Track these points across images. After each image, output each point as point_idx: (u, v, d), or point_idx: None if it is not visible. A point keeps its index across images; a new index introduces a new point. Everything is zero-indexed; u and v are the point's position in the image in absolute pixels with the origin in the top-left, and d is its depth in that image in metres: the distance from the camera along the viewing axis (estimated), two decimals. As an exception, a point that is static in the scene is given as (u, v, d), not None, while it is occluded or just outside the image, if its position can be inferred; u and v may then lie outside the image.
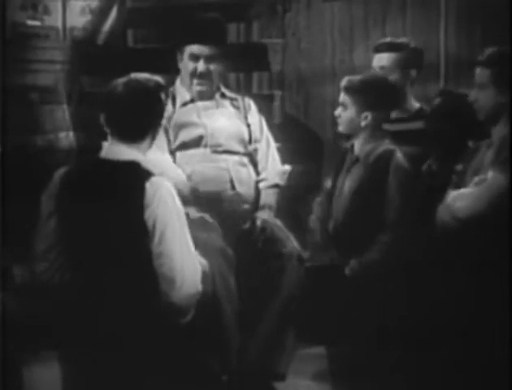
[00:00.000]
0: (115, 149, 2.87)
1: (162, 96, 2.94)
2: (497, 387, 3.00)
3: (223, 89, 3.99)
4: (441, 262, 3.15)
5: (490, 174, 3.04)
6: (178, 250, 2.76)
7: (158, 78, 3.00)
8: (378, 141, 3.57)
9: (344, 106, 3.59)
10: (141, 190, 2.74)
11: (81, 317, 2.79)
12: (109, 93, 2.90)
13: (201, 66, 3.80)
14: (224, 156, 3.82)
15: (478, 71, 3.20)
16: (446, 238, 3.13)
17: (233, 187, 3.80)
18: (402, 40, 4.02)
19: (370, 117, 3.56)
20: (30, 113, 4.68)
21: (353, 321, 3.37)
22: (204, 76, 3.83)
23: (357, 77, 3.62)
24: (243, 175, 3.85)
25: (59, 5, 4.94)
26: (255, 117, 3.98)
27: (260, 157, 3.95)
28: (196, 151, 3.79)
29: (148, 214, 2.74)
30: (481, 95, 3.18)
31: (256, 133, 3.95)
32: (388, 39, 4.05)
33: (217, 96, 3.94)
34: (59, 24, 4.94)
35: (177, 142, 3.76)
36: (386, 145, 3.57)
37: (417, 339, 3.19)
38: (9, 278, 3.18)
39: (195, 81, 3.84)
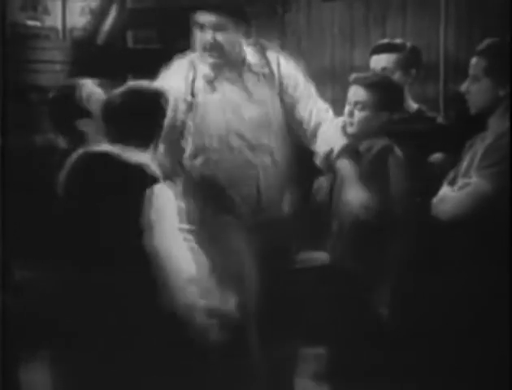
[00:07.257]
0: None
1: (162, 103, 2.92)
2: (497, 387, 3.01)
3: (250, 62, 3.54)
4: (438, 259, 3.15)
5: (474, 179, 3.01)
6: (171, 246, 2.78)
7: (157, 85, 3.00)
8: (375, 138, 3.55)
9: (362, 104, 3.45)
10: (142, 195, 2.76)
11: (75, 316, 2.80)
12: (108, 104, 2.91)
13: (208, 36, 3.37)
14: (250, 152, 3.53)
15: (473, 61, 3.08)
16: (438, 234, 3.12)
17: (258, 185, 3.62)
18: (399, 40, 4.04)
19: (386, 117, 3.52)
20: (30, 113, 4.69)
21: (350, 321, 3.37)
22: (214, 48, 3.39)
23: (371, 74, 3.58)
24: (269, 170, 3.65)
25: (59, 5, 4.95)
26: (300, 92, 3.61)
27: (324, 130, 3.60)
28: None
29: (144, 218, 2.76)
30: (473, 87, 3.06)
31: (311, 116, 3.59)
32: (385, 40, 4.06)
33: (244, 77, 3.53)
34: (59, 25, 4.95)
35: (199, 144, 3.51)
36: (384, 141, 3.55)
37: (416, 338, 3.20)
38: (9, 278, 3.19)
39: (206, 54, 3.41)
